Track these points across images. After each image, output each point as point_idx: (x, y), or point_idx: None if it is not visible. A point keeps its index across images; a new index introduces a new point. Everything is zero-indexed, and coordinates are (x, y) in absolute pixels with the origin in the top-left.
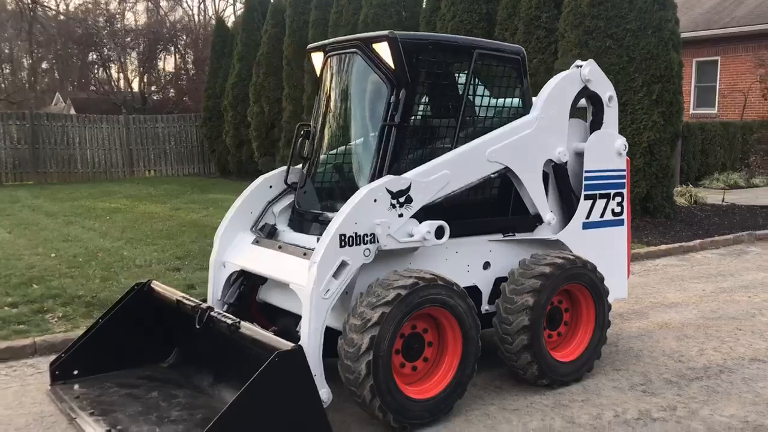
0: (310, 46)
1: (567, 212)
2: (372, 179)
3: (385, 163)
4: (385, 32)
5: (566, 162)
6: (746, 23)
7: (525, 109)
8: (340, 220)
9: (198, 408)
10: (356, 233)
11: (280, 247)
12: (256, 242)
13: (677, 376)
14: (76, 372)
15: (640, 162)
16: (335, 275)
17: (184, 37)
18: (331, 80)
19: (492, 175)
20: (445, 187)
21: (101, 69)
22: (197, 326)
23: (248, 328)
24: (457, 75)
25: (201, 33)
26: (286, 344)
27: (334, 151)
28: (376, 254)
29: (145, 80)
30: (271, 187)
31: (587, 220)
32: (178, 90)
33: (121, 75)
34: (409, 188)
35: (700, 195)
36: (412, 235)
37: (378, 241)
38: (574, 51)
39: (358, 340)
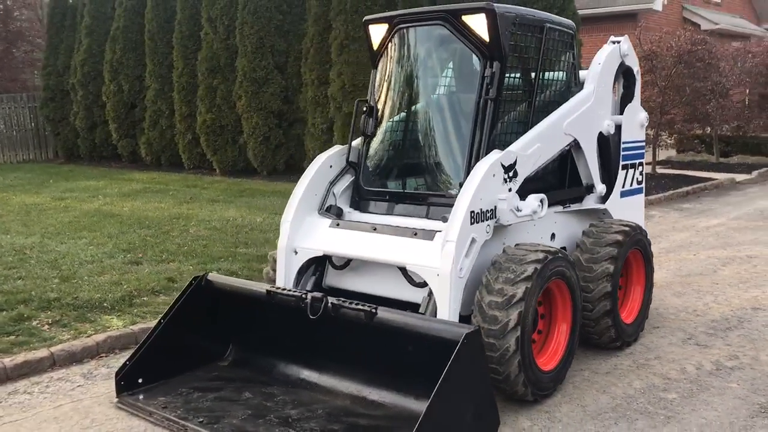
0: (369, 17)
1: (608, 182)
2: (471, 155)
3: (489, 138)
4: (481, 4)
5: (611, 134)
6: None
7: (575, 82)
8: (469, 196)
9: (314, 404)
10: (481, 209)
11: (375, 229)
12: (336, 225)
13: (711, 329)
14: (140, 380)
15: None
16: (467, 253)
17: None
18: (402, 54)
19: (566, 148)
20: (537, 161)
21: None
22: (312, 316)
23: (386, 312)
24: (532, 48)
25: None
26: (460, 325)
27: (411, 128)
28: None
29: None
30: (331, 166)
31: (623, 189)
32: None
33: None
34: (515, 162)
35: None
36: (520, 210)
37: (497, 217)
38: None
39: (503, 316)
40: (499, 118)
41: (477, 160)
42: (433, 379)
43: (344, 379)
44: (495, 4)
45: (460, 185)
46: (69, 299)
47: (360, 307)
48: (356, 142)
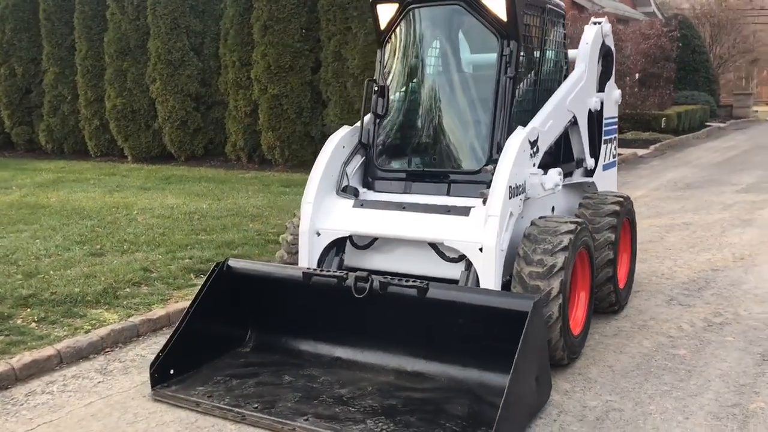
0: None
1: (594, 156)
2: (494, 133)
3: (510, 115)
4: None
5: (597, 110)
6: None
7: (565, 60)
8: (507, 171)
9: (359, 381)
10: (516, 184)
11: (404, 208)
12: (360, 205)
13: (685, 290)
14: (172, 371)
15: None
16: (507, 227)
17: None
18: (415, 33)
19: (567, 124)
20: (551, 137)
21: None
22: (357, 295)
23: (438, 287)
24: (537, 28)
25: None
26: (523, 296)
27: (427, 107)
28: None
29: None
30: (344, 147)
31: (604, 162)
32: None
33: None
34: (537, 138)
35: None
36: (544, 184)
37: (526, 191)
38: None
39: (545, 285)
40: (515, 96)
41: (501, 137)
42: (488, 349)
43: (387, 356)
44: None
45: (488, 162)
46: (46, 295)
47: (411, 283)
48: (365, 120)
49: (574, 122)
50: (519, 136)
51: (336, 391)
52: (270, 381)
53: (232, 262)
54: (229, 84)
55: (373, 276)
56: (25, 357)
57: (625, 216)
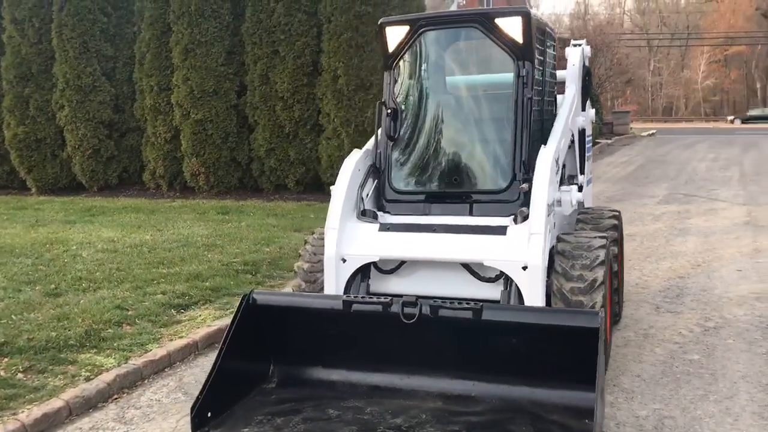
0: (385, 19)
1: (582, 173)
2: (515, 152)
3: (531, 134)
4: (517, 8)
5: (583, 128)
6: None
7: (554, 81)
8: (545, 189)
9: (410, 410)
10: (552, 201)
11: (434, 230)
12: (387, 229)
13: (666, 298)
14: (209, 414)
15: None
16: (546, 245)
17: None
18: (428, 56)
19: (569, 143)
20: (563, 155)
21: None
22: (406, 321)
23: (493, 308)
24: (541, 50)
25: None
26: (585, 312)
27: (444, 128)
28: None
29: None
30: (359, 170)
31: (587, 178)
32: None
33: None
34: (559, 156)
35: None
36: (572, 200)
37: (556, 208)
38: (345, 34)
39: (588, 300)
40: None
41: (524, 156)
42: (539, 367)
43: (429, 380)
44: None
45: (513, 182)
46: (21, 342)
47: (464, 306)
48: (369, 145)
49: (572, 141)
50: (549, 155)
51: (391, 421)
52: (316, 416)
53: (257, 295)
54: (146, 109)
55: (421, 300)
56: (35, 412)
57: (619, 230)
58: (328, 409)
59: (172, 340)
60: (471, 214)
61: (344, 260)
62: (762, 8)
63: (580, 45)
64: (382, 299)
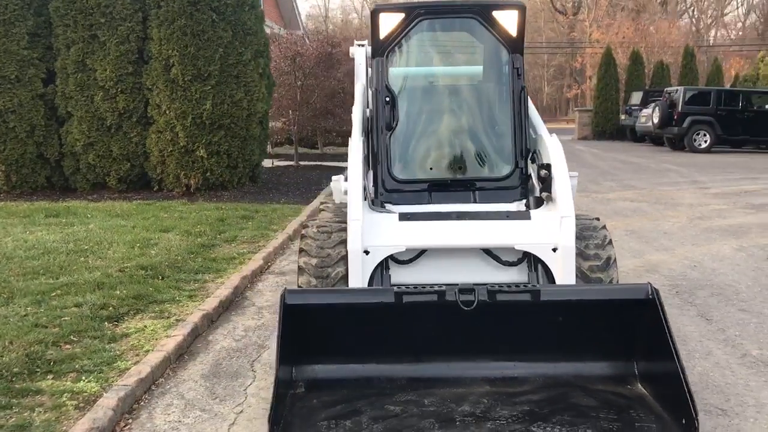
0: (379, 6)
1: None
2: (515, 140)
3: (529, 122)
4: (513, 1)
5: None
6: None
7: None
8: (566, 173)
9: (466, 397)
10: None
11: (459, 216)
12: (407, 218)
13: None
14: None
15: (256, 131)
16: None
17: None
18: (424, 44)
19: None
20: None
21: None
22: (466, 308)
23: (550, 288)
24: None
25: None
26: (634, 285)
27: (442, 117)
28: None
29: None
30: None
31: None
32: None
33: None
34: None
35: None
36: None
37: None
38: (179, 21)
39: (606, 277)
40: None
41: (522, 144)
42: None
43: (466, 366)
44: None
45: (515, 168)
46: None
47: (521, 288)
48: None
49: None
50: (556, 140)
51: (459, 409)
52: (380, 415)
53: (291, 294)
54: None
55: (476, 286)
56: None
57: None
58: (387, 406)
59: (138, 354)
60: (475, 201)
61: (367, 252)
62: None
63: (363, 45)
64: (436, 288)
